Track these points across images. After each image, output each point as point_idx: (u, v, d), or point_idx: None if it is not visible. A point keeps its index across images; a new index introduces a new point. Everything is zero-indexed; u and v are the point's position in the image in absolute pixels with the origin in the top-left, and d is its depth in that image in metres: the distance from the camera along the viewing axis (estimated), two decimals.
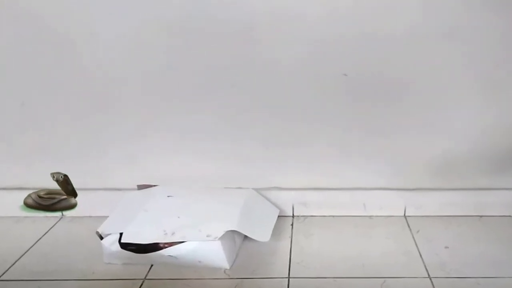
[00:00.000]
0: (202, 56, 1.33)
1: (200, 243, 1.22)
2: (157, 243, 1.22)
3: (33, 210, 1.54)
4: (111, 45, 1.33)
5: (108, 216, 1.34)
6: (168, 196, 1.44)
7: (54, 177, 1.48)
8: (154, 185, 1.52)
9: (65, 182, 1.50)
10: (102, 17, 1.30)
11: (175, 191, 1.47)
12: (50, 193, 1.55)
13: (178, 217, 1.31)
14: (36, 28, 1.32)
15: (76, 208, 1.54)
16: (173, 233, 1.24)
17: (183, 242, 1.22)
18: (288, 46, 1.31)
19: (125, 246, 1.22)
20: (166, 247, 1.21)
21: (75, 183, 1.51)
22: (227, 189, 1.50)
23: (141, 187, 1.52)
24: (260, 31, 1.30)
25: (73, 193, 1.53)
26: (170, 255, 1.22)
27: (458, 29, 1.26)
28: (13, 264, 1.26)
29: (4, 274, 1.22)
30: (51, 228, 1.47)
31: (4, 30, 1.32)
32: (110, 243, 1.23)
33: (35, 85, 1.39)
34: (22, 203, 1.54)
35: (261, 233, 1.34)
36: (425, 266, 1.22)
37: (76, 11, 1.29)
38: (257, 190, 1.50)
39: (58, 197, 1.53)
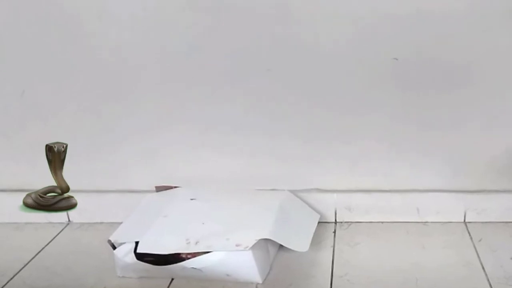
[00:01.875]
0: (231, 36, 1.29)
1: (228, 254, 1.16)
2: (179, 254, 1.16)
3: (33, 211, 1.51)
4: (125, 25, 1.31)
5: (121, 223, 1.30)
6: (191, 199, 1.39)
7: (55, 147, 1.43)
8: (175, 187, 1.50)
9: (60, 155, 1.46)
10: None
11: (199, 193, 1.42)
12: (49, 192, 1.51)
13: (203, 224, 1.25)
14: (38, 5, 1.30)
15: (84, 213, 1.50)
16: (197, 242, 1.18)
17: (208, 252, 1.17)
18: (329, 25, 1.25)
19: (141, 257, 1.16)
20: (189, 258, 1.16)
21: (84, 184, 1.47)
22: (259, 191, 1.47)
23: (159, 189, 1.50)
24: (297, 8, 1.25)
25: (64, 181, 1.47)
26: (193, 268, 1.16)
27: None
28: (12, 278, 1.21)
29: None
30: (55, 236, 1.44)
31: (1, 7, 1.31)
32: (124, 254, 1.18)
33: (37, 72, 1.37)
34: (21, 203, 1.51)
35: (299, 242, 1.29)
36: (488, 280, 1.13)
37: None
38: (294, 192, 1.46)
39: (58, 197, 1.49)
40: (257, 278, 1.18)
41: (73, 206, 1.51)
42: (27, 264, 1.27)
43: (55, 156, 1.44)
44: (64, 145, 1.42)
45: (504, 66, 1.25)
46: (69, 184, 1.46)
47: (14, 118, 1.41)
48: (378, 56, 1.26)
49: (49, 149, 1.44)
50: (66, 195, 1.49)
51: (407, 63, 1.26)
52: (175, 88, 1.36)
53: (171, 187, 1.48)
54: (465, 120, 1.33)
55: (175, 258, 1.16)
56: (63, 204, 1.50)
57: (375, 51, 1.26)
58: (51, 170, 1.44)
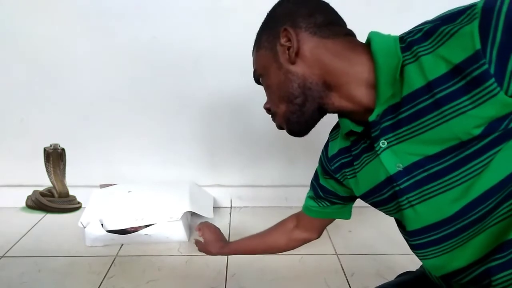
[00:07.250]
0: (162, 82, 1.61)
1: (167, 223, 1.42)
2: (134, 227, 1.41)
3: (34, 211, 1.67)
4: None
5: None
6: (129, 192, 1.63)
7: (51, 145, 1.59)
8: (114, 184, 1.72)
9: (60, 156, 1.59)
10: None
11: (133, 187, 1.66)
12: (50, 192, 1.67)
13: (142, 206, 1.51)
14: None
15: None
16: (142, 219, 1.44)
17: (153, 224, 1.42)
18: None
19: (109, 231, 1.42)
20: (142, 229, 1.43)
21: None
22: (175, 182, 1.70)
23: (103, 186, 1.69)
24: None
25: (63, 177, 1.63)
26: (146, 234, 1.44)
27: None
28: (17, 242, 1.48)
29: (8, 252, 1.42)
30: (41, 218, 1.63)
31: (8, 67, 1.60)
32: (95, 229, 1.41)
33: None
34: (21, 199, 1.67)
35: (206, 212, 1.58)
36: (333, 245, 1.46)
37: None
38: (203, 187, 1.73)
39: (59, 199, 1.64)
40: (185, 237, 1.45)
41: (76, 208, 1.67)
42: (25, 234, 1.50)
43: (54, 157, 1.58)
44: (59, 146, 1.58)
45: None
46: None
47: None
48: None
49: (47, 154, 1.57)
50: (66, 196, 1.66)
51: None
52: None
53: (111, 184, 1.71)
54: None
55: (131, 229, 1.40)
56: (65, 205, 1.66)
57: None
58: (48, 174, 1.61)
